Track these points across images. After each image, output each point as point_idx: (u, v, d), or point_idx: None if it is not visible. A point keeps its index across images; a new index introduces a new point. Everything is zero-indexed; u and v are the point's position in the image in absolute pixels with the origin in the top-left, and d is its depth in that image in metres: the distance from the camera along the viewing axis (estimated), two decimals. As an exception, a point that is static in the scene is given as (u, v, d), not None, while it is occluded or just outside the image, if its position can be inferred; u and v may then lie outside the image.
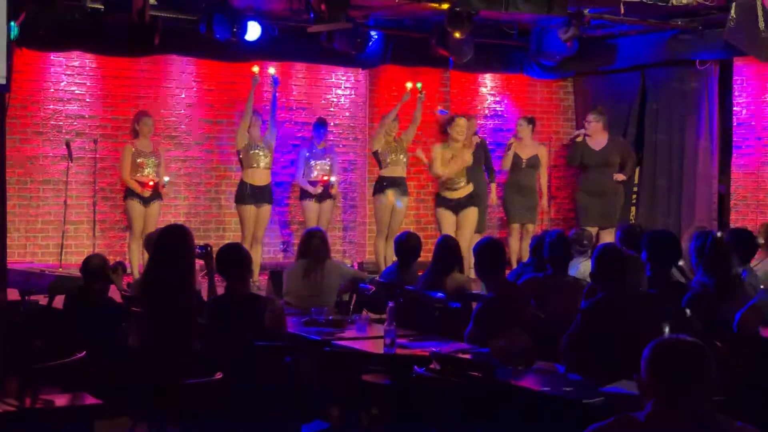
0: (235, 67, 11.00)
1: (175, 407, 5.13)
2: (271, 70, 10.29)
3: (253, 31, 9.55)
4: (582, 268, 7.71)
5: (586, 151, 10.91)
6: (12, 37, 5.88)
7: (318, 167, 10.34)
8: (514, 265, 9.72)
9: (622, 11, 9.62)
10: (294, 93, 11.42)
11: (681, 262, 6.49)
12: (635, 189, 11.64)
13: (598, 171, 10.88)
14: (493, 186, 10.99)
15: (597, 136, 10.90)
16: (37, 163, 10.36)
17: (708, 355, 2.79)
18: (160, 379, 5.16)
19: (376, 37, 10.46)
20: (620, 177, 10.96)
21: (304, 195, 10.35)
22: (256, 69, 10.13)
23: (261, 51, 10.60)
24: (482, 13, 9.63)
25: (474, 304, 6.12)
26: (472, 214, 10.41)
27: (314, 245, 7.10)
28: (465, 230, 10.33)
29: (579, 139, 11.10)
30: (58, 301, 6.96)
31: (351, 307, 7.38)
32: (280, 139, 11.00)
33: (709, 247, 5.72)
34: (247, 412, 5.20)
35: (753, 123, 10.76)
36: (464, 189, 10.44)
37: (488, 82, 12.24)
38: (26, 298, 7.42)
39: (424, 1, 9.44)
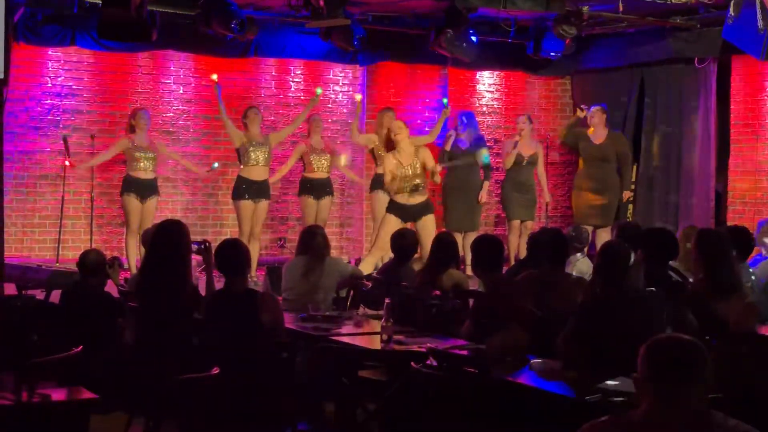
0: (233, 63, 11.01)
1: (172, 402, 5.13)
2: (214, 76, 10.06)
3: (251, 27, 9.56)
4: (578, 265, 7.73)
5: (587, 144, 10.87)
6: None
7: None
8: (513, 262, 9.72)
9: (621, 9, 9.63)
10: (292, 89, 11.41)
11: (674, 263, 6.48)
12: (632, 187, 11.65)
13: (595, 165, 10.88)
14: (486, 184, 10.89)
15: (598, 130, 10.87)
16: (35, 158, 10.36)
17: (704, 352, 2.79)
18: (156, 374, 5.17)
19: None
20: (627, 195, 11.00)
21: (303, 191, 10.34)
22: (215, 77, 10.03)
23: (258, 47, 10.62)
24: (480, 10, 9.63)
25: (471, 301, 6.12)
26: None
27: (317, 243, 7.08)
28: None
29: (581, 114, 11.02)
30: (55, 296, 6.97)
31: (348, 303, 7.38)
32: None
33: (706, 244, 5.72)
34: (244, 408, 5.21)
35: (751, 121, 10.76)
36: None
37: (486, 79, 12.24)
38: (23, 292, 7.43)
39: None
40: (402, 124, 9.60)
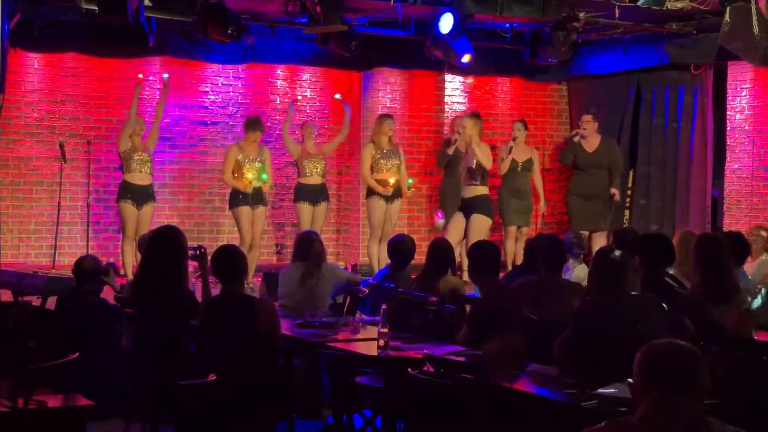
0: (230, 69, 11.01)
1: (169, 409, 5.13)
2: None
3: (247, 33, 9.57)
4: (576, 271, 7.73)
5: (580, 152, 10.92)
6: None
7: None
8: (510, 268, 9.72)
9: (617, 15, 9.64)
10: (288, 95, 11.41)
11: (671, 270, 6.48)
12: (629, 192, 11.66)
13: (590, 173, 10.92)
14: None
15: (591, 137, 10.92)
16: (31, 164, 10.35)
17: (700, 358, 2.79)
18: (153, 380, 5.16)
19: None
20: (615, 193, 10.99)
21: (298, 197, 10.32)
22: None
23: (255, 53, 10.62)
24: (477, 16, 9.64)
25: (468, 307, 6.12)
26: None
27: (315, 250, 7.08)
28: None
29: (576, 139, 11.08)
30: (51, 302, 6.96)
31: (345, 309, 7.37)
32: (275, 140, 10.99)
33: (704, 250, 5.72)
34: (241, 414, 5.20)
35: (747, 127, 10.77)
36: None
37: (482, 85, 12.25)
38: (19, 299, 7.41)
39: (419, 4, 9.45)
40: (468, 121, 10.41)
